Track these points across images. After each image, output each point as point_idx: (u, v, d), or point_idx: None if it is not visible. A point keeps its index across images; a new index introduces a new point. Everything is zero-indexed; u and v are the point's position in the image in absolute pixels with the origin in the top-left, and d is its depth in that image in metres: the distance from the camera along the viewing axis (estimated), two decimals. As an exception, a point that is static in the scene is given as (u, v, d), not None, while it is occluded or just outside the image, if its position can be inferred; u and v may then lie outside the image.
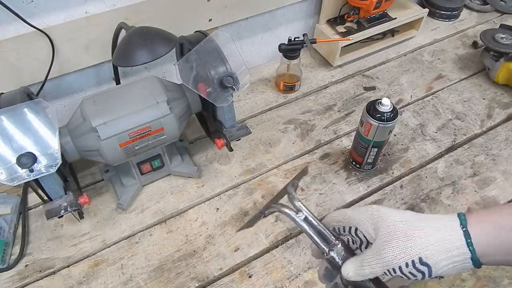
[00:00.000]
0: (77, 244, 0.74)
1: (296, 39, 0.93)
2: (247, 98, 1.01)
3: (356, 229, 0.46)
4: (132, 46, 0.61)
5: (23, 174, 0.58)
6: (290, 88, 1.01)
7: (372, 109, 0.73)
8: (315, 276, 0.69)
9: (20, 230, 0.75)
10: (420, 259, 0.40)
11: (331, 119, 0.96)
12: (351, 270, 0.44)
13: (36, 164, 0.58)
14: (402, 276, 0.41)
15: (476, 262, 0.40)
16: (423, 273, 0.41)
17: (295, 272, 0.70)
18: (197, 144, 0.91)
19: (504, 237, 0.40)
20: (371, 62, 1.11)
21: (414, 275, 0.41)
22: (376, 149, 0.78)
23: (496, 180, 0.83)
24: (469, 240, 0.40)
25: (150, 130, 0.69)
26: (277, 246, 0.73)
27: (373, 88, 1.04)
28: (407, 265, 0.40)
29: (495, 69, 1.01)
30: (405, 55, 1.13)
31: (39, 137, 0.59)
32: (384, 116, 0.72)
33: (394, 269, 0.41)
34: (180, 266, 0.71)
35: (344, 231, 0.48)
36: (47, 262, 0.72)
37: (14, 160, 0.57)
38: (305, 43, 0.93)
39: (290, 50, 0.93)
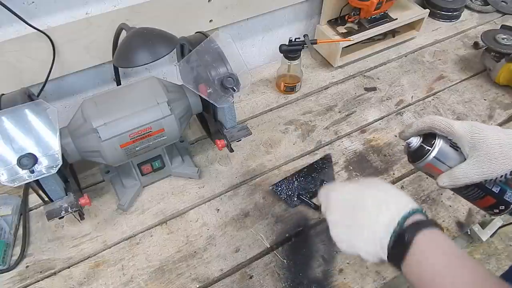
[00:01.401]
0: (78, 245, 0.74)
1: (296, 39, 0.93)
2: (248, 99, 1.01)
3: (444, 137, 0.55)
4: (132, 47, 0.61)
5: (24, 175, 0.58)
6: (290, 89, 1.01)
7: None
8: (318, 277, 0.69)
9: (21, 231, 0.75)
10: (511, 172, 0.50)
11: (332, 119, 0.96)
12: (446, 179, 0.53)
13: (36, 165, 0.58)
14: (493, 182, 0.53)
15: None
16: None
17: (295, 272, 0.70)
18: (197, 145, 0.91)
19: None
20: (372, 62, 1.11)
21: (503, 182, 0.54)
22: None
23: (497, 181, 0.82)
24: None
25: (150, 131, 0.69)
26: (278, 247, 0.73)
27: (374, 89, 1.04)
28: (501, 176, 0.50)
29: (496, 70, 1.01)
30: (406, 56, 1.13)
31: (40, 138, 0.59)
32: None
33: (490, 180, 0.52)
34: (180, 267, 0.71)
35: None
36: (48, 263, 0.72)
37: (15, 161, 0.57)
38: (305, 44, 0.93)
39: (290, 51, 0.93)
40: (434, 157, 0.54)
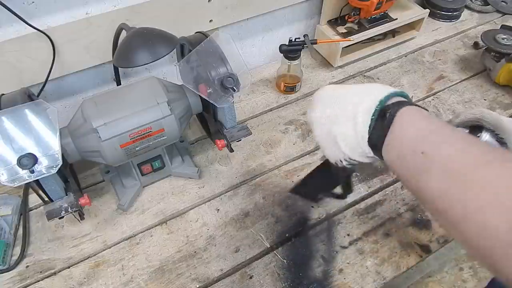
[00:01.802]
0: (78, 245, 0.74)
1: (296, 39, 0.93)
2: (248, 99, 1.01)
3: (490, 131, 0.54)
4: (132, 47, 0.61)
5: (24, 175, 0.58)
6: (290, 89, 1.01)
7: None
8: (318, 277, 0.69)
9: (21, 231, 0.75)
10: None
11: (332, 119, 0.96)
12: None
13: (36, 165, 0.58)
14: None
15: None
16: None
17: (295, 272, 0.70)
18: (197, 145, 0.91)
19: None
20: (372, 62, 1.11)
21: None
22: None
23: (497, 181, 0.82)
24: None
25: (150, 131, 0.69)
26: (278, 247, 0.73)
27: (374, 89, 1.03)
28: None
29: (496, 70, 1.01)
30: (406, 56, 1.13)
31: (40, 138, 0.59)
32: None
33: None
34: (180, 267, 0.71)
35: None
36: (48, 263, 0.72)
37: (15, 161, 0.57)
38: (305, 44, 0.92)
39: (290, 50, 0.93)
40: None
